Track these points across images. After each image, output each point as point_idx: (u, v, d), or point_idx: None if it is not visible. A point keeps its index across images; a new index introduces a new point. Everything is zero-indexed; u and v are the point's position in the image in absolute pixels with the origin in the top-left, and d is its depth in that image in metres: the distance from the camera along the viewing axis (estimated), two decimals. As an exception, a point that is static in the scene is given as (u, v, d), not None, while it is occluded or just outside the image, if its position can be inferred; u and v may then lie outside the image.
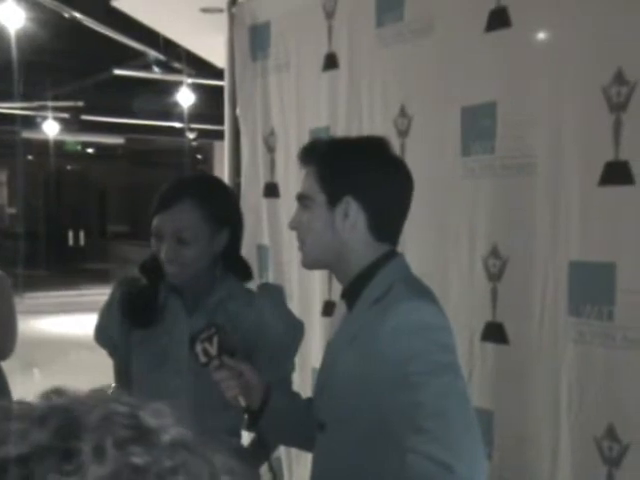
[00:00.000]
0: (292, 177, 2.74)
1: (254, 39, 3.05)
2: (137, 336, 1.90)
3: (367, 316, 1.47)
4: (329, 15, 2.68)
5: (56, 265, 17.53)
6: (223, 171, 3.38)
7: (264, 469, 1.90)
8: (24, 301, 9.93)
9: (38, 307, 11.58)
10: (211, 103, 6.71)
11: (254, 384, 1.60)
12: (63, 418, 0.46)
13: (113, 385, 1.96)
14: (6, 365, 3.23)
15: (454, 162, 2.21)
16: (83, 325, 4.51)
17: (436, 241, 2.28)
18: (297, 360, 2.01)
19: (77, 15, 6.77)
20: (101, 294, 2.62)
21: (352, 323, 1.52)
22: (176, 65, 8.59)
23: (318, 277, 2.69)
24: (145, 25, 4.33)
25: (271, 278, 2.95)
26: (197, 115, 11.14)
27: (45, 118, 12.82)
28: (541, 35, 2.06)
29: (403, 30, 2.38)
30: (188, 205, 1.80)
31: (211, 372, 1.60)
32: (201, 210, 1.81)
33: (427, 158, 2.27)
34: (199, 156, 18.32)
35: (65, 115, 12.61)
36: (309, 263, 1.63)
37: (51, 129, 13.19)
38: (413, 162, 1.69)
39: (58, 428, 0.46)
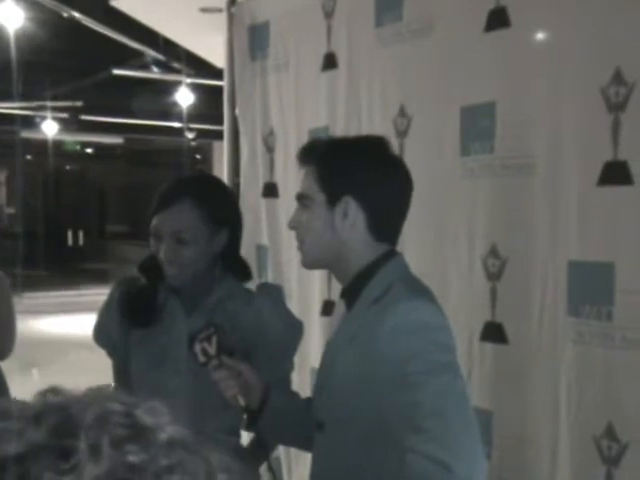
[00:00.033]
0: (291, 177, 2.74)
1: (253, 39, 3.05)
2: (136, 336, 1.90)
3: (366, 316, 1.47)
4: (328, 15, 2.68)
5: (55, 265, 17.52)
6: (222, 171, 3.38)
7: (263, 469, 1.90)
8: (23, 301, 9.93)
9: (37, 307, 11.59)
10: (210, 103, 6.71)
11: (253, 384, 1.60)
12: (59, 417, 0.46)
13: (112, 385, 1.96)
14: (5, 365, 3.23)
15: (453, 162, 2.21)
16: (82, 325, 4.51)
17: (435, 241, 2.28)
18: (296, 360, 2.01)
19: (76, 15, 6.77)
20: (100, 294, 2.62)
21: (351, 323, 1.52)
22: (175, 65, 8.60)
23: (317, 277, 2.69)
24: (144, 25, 4.33)
25: (270, 278, 2.95)
26: (196, 115, 11.15)
27: (44, 118, 12.83)
28: (540, 35, 2.06)
29: (402, 30, 2.38)
30: (187, 205, 1.80)
31: (210, 372, 1.59)
32: (200, 210, 1.81)
33: (426, 158, 2.27)
34: (198, 156, 18.32)
35: (64, 115, 12.61)
36: (308, 263, 1.63)
37: (50, 129, 13.19)
38: (412, 162, 1.69)
39: (54, 427, 0.46)
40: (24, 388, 0.81)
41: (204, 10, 3.53)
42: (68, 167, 22.33)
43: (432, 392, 1.32)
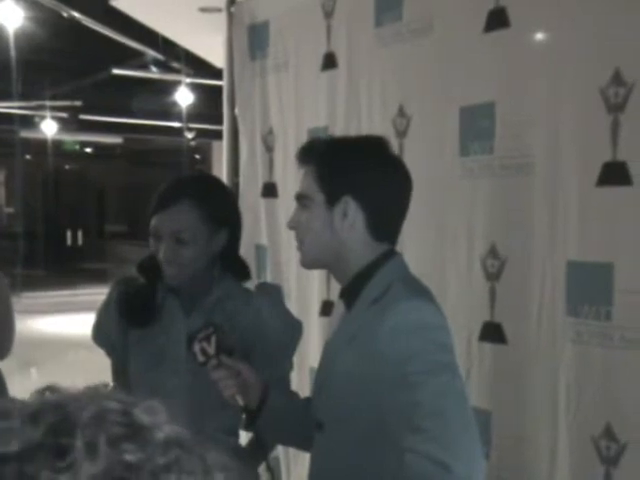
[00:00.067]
0: (290, 177, 2.74)
1: (253, 38, 3.05)
2: (134, 335, 1.90)
3: (366, 316, 1.47)
4: (328, 15, 2.68)
5: (54, 265, 17.51)
6: (221, 171, 3.38)
7: (262, 468, 1.90)
8: (22, 301, 9.93)
9: (36, 307, 11.58)
10: (210, 103, 6.71)
11: (252, 383, 1.60)
12: (56, 415, 0.46)
13: (111, 384, 1.96)
14: (4, 365, 3.22)
15: (453, 162, 2.21)
16: (81, 325, 4.51)
17: (434, 241, 2.28)
18: (295, 359, 2.01)
19: (76, 14, 6.77)
20: (99, 294, 2.62)
21: (351, 323, 1.52)
22: (175, 65, 8.60)
23: (316, 277, 2.69)
24: (144, 25, 4.33)
25: (269, 278, 2.94)
26: (196, 115, 11.14)
27: (43, 117, 12.81)
28: (540, 35, 2.06)
29: (402, 30, 2.38)
30: (186, 205, 1.80)
31: (209, 371, 1.59)
32: (199, 210, 1.81)
33: (426, 158, 2.27)
34: (197, 156, 18.31)
35: (63, 114, 12.58)
36: (308, 263, 1.63)
37: (49, 128, 13.17)
38: (412, 162, 1.69)
39: (51, 425, 0.45)
40: (23, 387, 0.81)
41: (203, 10, 3.53)
42: (67, 167, 22.31)
43: (431, 392, 1.32)
